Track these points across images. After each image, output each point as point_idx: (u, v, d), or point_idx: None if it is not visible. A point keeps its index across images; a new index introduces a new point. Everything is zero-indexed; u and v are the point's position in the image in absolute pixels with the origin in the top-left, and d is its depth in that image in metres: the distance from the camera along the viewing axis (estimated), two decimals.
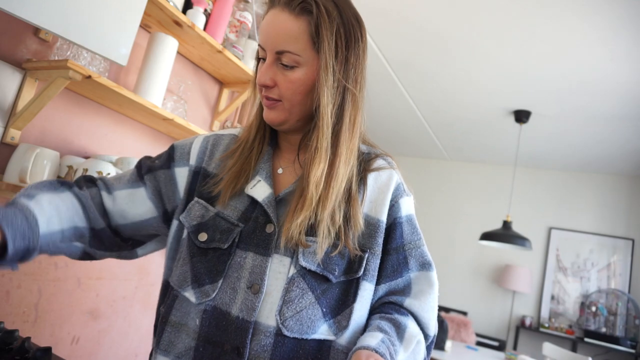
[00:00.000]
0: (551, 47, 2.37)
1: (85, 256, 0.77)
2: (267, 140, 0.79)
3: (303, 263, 0.68)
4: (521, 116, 3.27)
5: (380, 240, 0.74)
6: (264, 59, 0.72)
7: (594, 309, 4.09)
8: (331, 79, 0.68)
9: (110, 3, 1.07)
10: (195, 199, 0.76)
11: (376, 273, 0.74)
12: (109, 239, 0.77)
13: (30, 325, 1.29)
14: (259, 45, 0.73)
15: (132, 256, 0.83)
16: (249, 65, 1.73)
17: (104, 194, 0.77)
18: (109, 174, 1.24)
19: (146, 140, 1.60)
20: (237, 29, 1.70)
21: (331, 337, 0.68)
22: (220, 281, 0.68)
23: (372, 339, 0.64)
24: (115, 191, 0.78)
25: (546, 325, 4.18)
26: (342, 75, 0.70)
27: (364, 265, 0.71)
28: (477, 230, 4.65)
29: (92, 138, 1.41)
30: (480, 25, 2.31)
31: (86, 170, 1.22)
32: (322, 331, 0.67)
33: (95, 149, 1.43)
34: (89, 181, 0.78)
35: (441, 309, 4.49)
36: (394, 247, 0.75)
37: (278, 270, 0.68)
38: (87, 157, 1.36)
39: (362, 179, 0.76)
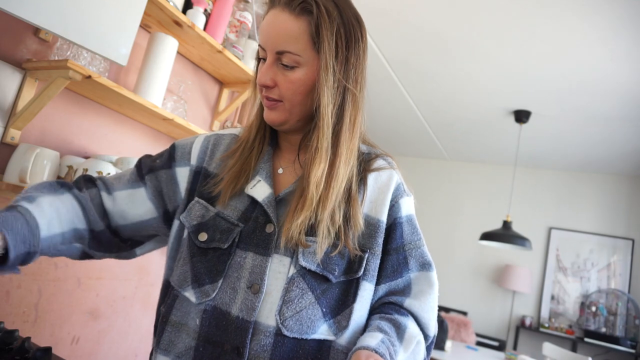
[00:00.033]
0: (551, 47, 2.37)
1: (85, 256, 0.77)
2: (267, 140, 0.79)
3: (303, 263, 0.68)
4: (521, 116, 3.27)
5: (381, 241, 0.74)
6: (264, 59, 0.72)
7: (594, 309, 4.09)
8: (331, 79, 0.68)
9: (110, 3, 1.07)
10: (196, 198, 0.76)
11: (376, 273, 0.74)
12: (107, 240, 0.77)
13: (30, 325, 1.29)
14: (259, 45, 0.73)
15: (131, 256, 0.84)
16: (249, 65, 1.73)
17: (104, 195, 0.77)
18: (109, 173, 1.24)
19: (146, 140, 1.60)
20: (237, 29, 1.70)
21: (331, 337, 0.68)
22: (220, 281, 0.68)
23: (372, 339, 0.64)
24: (115, 192, 0.78)
25: (546, 325, 4.18)
26: (342, 76, 0.70)
27: (364, 265, 0.71)
28: (477, 230, 4.65)
29: (92, 138, 1.41)
30: (480, 25, 2.31)
31: (86, 170, 1.22)
32: (322, 331, 0.67)
33: (95, 149, 1.43)
34: (88, 181, 0.78)
35: (441, 309, 4.49)
36: (394, 247, 0.75)
37: (278, 270, 0.68)
38: (87, 157, 1.36)
39: (362, 179, 0.76)
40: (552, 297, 4.36)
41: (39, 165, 1.15)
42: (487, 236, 3.39)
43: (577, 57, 2.41)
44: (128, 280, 1.60)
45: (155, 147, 1.63)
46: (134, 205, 0.77)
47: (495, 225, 4.37)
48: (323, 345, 0.67)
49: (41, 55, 1.24)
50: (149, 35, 1.51)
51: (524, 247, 3.22)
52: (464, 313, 4.56)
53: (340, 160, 0.70)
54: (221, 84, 1.90)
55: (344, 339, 0.68)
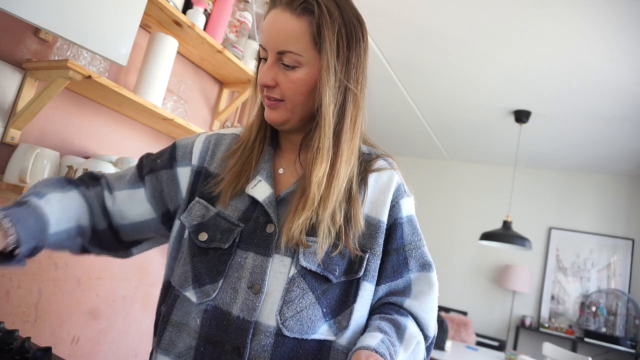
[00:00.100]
0: (551, 47, 2.37)
1: (84, 251, 0.79)
2: (268, 140, 0.79)
3: (304, 263, 0.68)
4: (521, 116, 3.27)
5: (381, 241, 0.74)
6: (265, 59, 0.72)
7: (594, 309, 4.09)
8: (333, 79, 0.68)
9: (110, 3, 1.07)
10: (196, 198, 0.76)
11: (376, 273, 0.73)
12: (107, 238, 0.78)
13: (30, 325, 1.29)
14: (260, 45, 0.73)
15: (127, 255, 0.84)
16: (249, 65, 1.73)
17: (106, 194, 0.78)
18: None
19: (146, 140, 1.60)
20: (237, 29, 1.70)
21: (331, 338, 0.68)
22: (221, 281, 0.68)
23: (372, 339, 0.64)
24: (116, 191, 0.78)
25: (546, 325, 4.18)
26: (343, 75, 0.70)
27: (364, 265, 0.71)
28: (477, 230, 4.65)
29: (92, 138, 1.41)
30: (481, 25, 2.31)
31: (86, 170, 1.22)
32: (322, 331, 0.67)
33: (95, 149, 1.43)
34: (93, 179, 0.80)
35: (441, 309, 4.49)
36: (394, 247, 0.75)
37: (278, 270, 0.68)
38: (87, 157, 1.36)
39: (362, 180, 0.76)
40: (552, 297, 4.36)
41: (39, 165, 1.15)
42: (487, 236, 3.39)
43: (577, 57, 2.41)
44: (128, 280, 1.60)
45: (155, 147, 1.63)
46: (132, 206, 0.78)
47: (495, 225, 4.37)
48: (323, 346, 0.67)
49: (41, 55, 1.24)
50: (149, 35, 1.51)
51: (524, 247, 3.22)
52: (464, 313, 4.56)
53: (342, 160, 0.70)
54: (221, 84, 1.90)
55: (344, 339, 0.68)
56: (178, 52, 1.63)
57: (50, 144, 1.29)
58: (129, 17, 1.12)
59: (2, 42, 1.15)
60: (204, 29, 1.55)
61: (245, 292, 0.67)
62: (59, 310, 1.37)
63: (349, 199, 0.73)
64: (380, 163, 0.80)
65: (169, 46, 1.40)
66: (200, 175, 0.78)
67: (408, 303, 0.74)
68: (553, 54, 2.42)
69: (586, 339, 3.89)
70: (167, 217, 0.79)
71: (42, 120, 1.26)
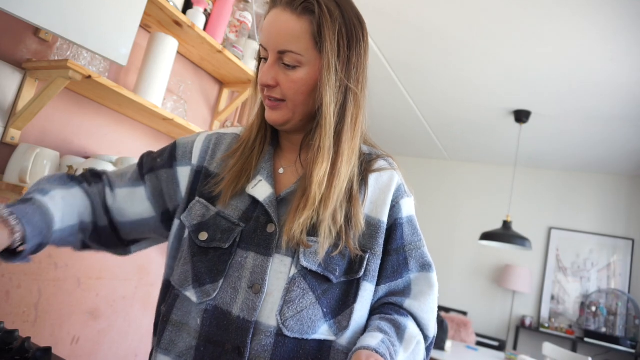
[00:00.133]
0: (551, 47, 2.37)
1: (85, 247, 0.79)
2: (268, 140, 0.79)
3: (304, 263, 0.68)
4: (521, 116, 3.27)
5: (381, 241, 0.74)
6: (266, 59, 0.72)
7: (594, 309, 4.09)
8: (333, 79, 0.68)
9: (110, 3, 1.07)
10: (197, 198, 0.76)
11: (377, 274, 0.73)
12: (107, 235, 0.78)
13: (30, 325, 1.29)
14: (260, 45, 0.73)
15: (126, 253, 0.85)
16: (249, 65, 1.73)
17: (107, 191, 0.78)
18: None
19: (146, 140, 1.60)
20: (237, 29, 1.70)
21: (331, 338, 0.68)
22: (221, 281, 0.68)
23: (373, 339, 0.64)
24: (117, 189, 0.79)
25: (546, 325, 4.18)
26: (344, 75, 0.70)
27: (364, 265, 0.71)
28: (477, 230, 4.65)
29: (92, 138, 1.41)
30: (481, 25, 2.31)
31: (86, 170, 1.22)
32: (323, 331, 0.67)
33: (95, 149, 1.43)
34: (95, 176, 0.80)
35: (441, 309, 4.49)
36: (394, 248, 0.75)
37: (279, 270, 0.68)
38: (87, 157, 1.36)
39: (363, 180, 0.76)
40: (552, 297, 4.36)
41: (39, 165, 1.15)
42: (487, 236, 3.39)
43: (577, 57, 2.41)
44: (128, 280, 1.60)
45: (155, 147, 1.63)
46: (132, 204, 0.78)
47: (495, 225, 4.37)
48: (323, 346, 0.67)
49: (41, 55, 1.24)
50: (149, 35, 1.51)
51: (524, 247, 3.22)
52: (464, 313, 4.56)
53: (343, 160, 0.70)
54: (221, 84, 1.90)
55: (344, 339, 0.68)
56: (178, 52, 1.63)
57: (50, 144, 1.29)
58: (129, 17, 1.12)
59: (2, 42, 1.15)
60: (204, 29, 1.55)
61: (246, 292, 0.67)
62: (59, 310, 1.37)
63: (350, 199, 0.73)
64: (380, 163, 0.80)
65: (169, 46, 1.40)
66: (200, 175, 0.78)
67: (408, 303, 0.74)
68: (553, 54, 2.42)
69: (586, 339, 3.89)
70: (166, 217, 0.79)
71: (42, 120, 1.26)
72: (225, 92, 1.90)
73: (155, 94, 1.38)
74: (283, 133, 0.80)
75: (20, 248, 0.62)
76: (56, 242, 0.70)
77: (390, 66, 2.99)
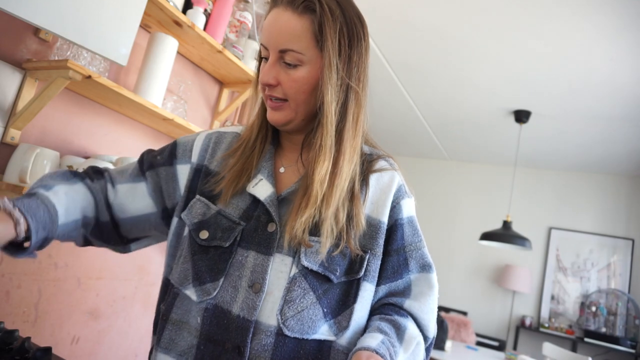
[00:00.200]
0: (551, 47, 2.37)
1: (87, 243, 0.79)
2: (269, 139, 0.79)
3: (305, 263, 0.68)
4: (521, 116, 3.27)
5: (381, 242, 0.74)
6: (267, 59, 0.72)
7: (594, 309, 4.09)
8: (335, 77, 0.68)
9: (110, 3, 1.07)
10: (197, 196, 0.76)
11: (377, 274, 0.74)
12: (108, 231, 0.78)
13: (30, 325, 1.29)
14: (261, 44, 0.73)
15: (126, 250, 0.85)
16: (249, 65, 1.73)
17: (109, 187, 0.78)
18: None
19: (146, 140, 1.60)
20: (237, 29, 1.70)
21: (331, 338, 0.68)
22: (222, 279, 0.68)
23: (372, 339, 0.64)
24: (118, 185, 0.79)
25: (546, 325, 4.18)
26: (345, 73, 0.70)
27: (365, 265, 0.71)
28: (477, 230, 4.65)
29: (92, 138, 1.41)
30: (481, 26, 2.31)
31: None
32: (323, 331, 0.67)
33: (95, 149, 1.42)
34: (97, 172, 0.80)
35: (441, 309, 4.49)
36: (394, 248, 0.75)
37: (279, 269, 0.68)
38: (87, 157, 1.36)
39: (364, 180, 0.76)
40: (552, 297, 4.36)
41: (39, 165, 1.15)
42: (487, 236, 3.39)
43: (577, 57, 2.41)
44: (128, 280, 1.60)
45: (155, 147, 1.62)
46: (133, 200, 0.78)
47: (495, 225, 4.37)
48: (323, 346, 0.68)
49: (41, 55, 1.24)
50: (149, 35, 1.51)
51: (524, 247, 3.22)
52: (464, 313, 4.56)
53: (344, 158, 0.70)
54: (221, 84, 1.90)
55: (344, 339, 0.68)
56: (178, 52, 1.63)
57: (50, 144, 1.29)
58: (129, 17, 1.12)
59: (2, 42, 1.15)
60: (204, 29, 1.55)
61: (246, 291, 0.67)
62: (59, 310, 1.36)
63: (352, 198, 0.73)
64: (381, 164, 0.80)
65: (169, 46, 1.40)
66: (200, 173, 0.78)
67: (408, 304, 0.74)
68: (553, 54, 2.42)
69: (586, 339, 3.89)
70: (166, 213, 0.80)
71: (42, 120, 1.26)
72: (225, 92, 1.90)
73: (155, 94, 1.38)
74: (284, 133, 0.80)
75: (26, 244, 0.62)
76: (60, 236, 0.70)
77: (390, 66, 2.99)
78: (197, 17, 1.47)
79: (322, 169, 0.68)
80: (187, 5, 1.52)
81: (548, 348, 3.16)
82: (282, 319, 0.65)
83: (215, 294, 0.67)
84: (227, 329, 0.66)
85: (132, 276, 1.61)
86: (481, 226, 4.66)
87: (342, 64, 0.69)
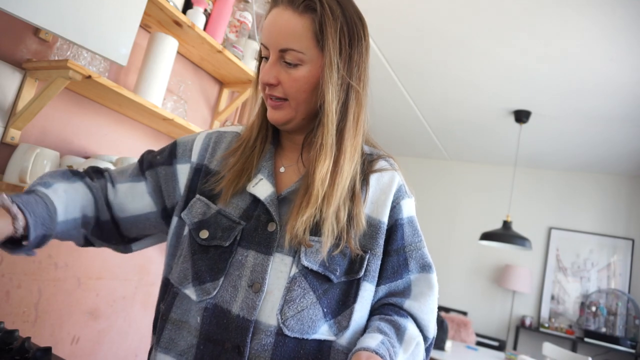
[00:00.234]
0: (551, 47, 2.37)
1: (87, 243, 0.79)
2: (269, 139, 0.79)
3: (305, 263, 0.68)
4: (521, 116, 3.27)
5: (381, 242, 0.74)
6: (267, 58, 0.72)
7: (594, 309, 4.09)
8: (335, 76, 0.68)
9: (110, 3, 1.07)
10: (197, 196, 0.76)
11: (377, 274, 0.74)
12: (109, 230, 0.78)
13: (30, 325, 1.29)
14: (261, 44, 0.73)
15: (127, 250, 0.84)
16: (249, 65, 1.73)
17: (109, 186, 0.78)
18: None
19: (146, 140, 1.60)
20: (237, 29, 1.70)
21: (331, 338, 0.68)
22: (222, 279, 0.68)
23: (372, 340, 0.64)
24: (118, 184, 0.79)
25: (546, 325, 4.18)
26: (346, 73, 0.70)
27: (364, 265, 0.71)
28: (477, 230, 4.65)
29: (92, 138, 1.41)
30: (480, 25, 2.31)
31: None
32: (323, 331, 0.67)
33: (95, 149, 1.42)
34: (97, 172, 0.80)
35: (441, 309, 4.49)
36: (394, 248, 0.75)
37: (279, 269, 0.68)
38: (87, 157, 1.36)
39: (364, 180, 0.76)
40: (552, 297, 4.36)
41: (39, 165, 1.15)
42: (487, 236, 3.39)
43: (577, 57, 2.41)
44: (128, 280, 1.60)
45: (155, 147, 1.62)
46: (133, 199, 0.78)
47: (495, 225, 4.37)
48: (323, 346, 0.67)
49: (41, 55, 1.24)
50: (149, 35, 1.51)
51: (524, 247, 3.22)
52: (464, 313, 4.56)
53: (345, 158, 0.70)
54: (221, 84, 1.90)
55: (344, 339, 0.68)
56: (178, 52, 1.63)
57: (50, 144, 1.29)
58: (129, 17, 1.12)
59: (2, 42, 1.15)
60: (204, 29, 1.54)
61: (246, 291, 0.67)
62: (59, 310, 1.36)
63: (353, 198, 0.73)
64: (381, 164, 0.80)
65: (169, 46, 1.40)
66: (200, 173, 0.78)
67: (408, 304, 0.74)
68: (553, 54, 2.42)
69: (586, 339, 3.89)
70: (166, 213, 0.80)
71: (42, 120, 1.26)
72: (225, 92, 1.90)
73: (155, 94, 1.38)
74: (284, 132, 0.80)
75: (25, 243, 0.62)
76: (59, 235, 0.70)
77: (390, 66, 2.99)
78: (197, 17, 1.47)
79: (323, 168, 0.68)
80: (187, 5, 1.52)
81: (548, 348, 3.16)
82: (282, 319, 0.65)
83: (215, 293, 0.67)
84: (226, 329, 0.66)
85: (132, 276, 1.61)
86: (481, 226, 4.66)
87: (342, 63, 0.69)
